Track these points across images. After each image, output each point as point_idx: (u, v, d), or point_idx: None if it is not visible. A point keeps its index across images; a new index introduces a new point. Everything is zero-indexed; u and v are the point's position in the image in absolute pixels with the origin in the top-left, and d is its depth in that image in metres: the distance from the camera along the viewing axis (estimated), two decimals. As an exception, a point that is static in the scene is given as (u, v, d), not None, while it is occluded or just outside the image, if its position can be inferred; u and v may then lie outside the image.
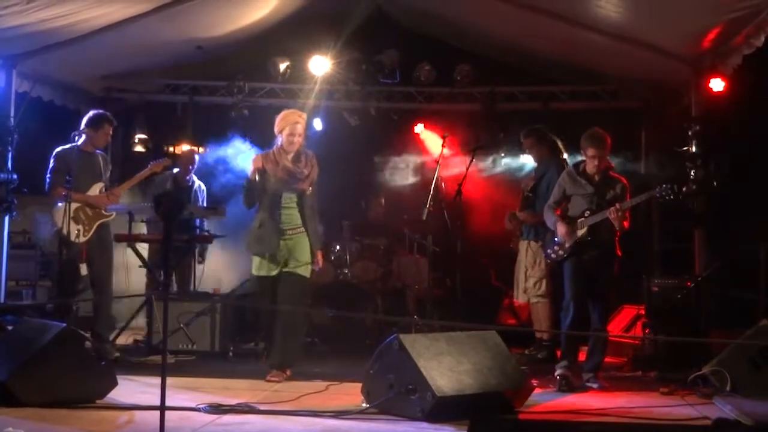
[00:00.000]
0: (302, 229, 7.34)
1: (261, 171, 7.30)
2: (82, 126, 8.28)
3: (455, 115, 11.42)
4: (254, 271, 7.43)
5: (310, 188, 7.44)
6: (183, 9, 8.74)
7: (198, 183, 9.85)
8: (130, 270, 9.86)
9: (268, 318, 7.56)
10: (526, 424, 5.91)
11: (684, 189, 8.99)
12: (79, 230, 8.02)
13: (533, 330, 9.05)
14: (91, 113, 8.42)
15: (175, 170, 9.78)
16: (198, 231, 9.35)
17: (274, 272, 7.31)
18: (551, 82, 11.23)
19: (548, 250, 7.72)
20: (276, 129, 7.42)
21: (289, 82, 11.16)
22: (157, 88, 11.51)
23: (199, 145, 10.67)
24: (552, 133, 9.07)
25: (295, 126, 7.36)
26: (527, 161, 10.24)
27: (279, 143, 7.39)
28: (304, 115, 7.58)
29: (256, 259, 7.39)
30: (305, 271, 7.37)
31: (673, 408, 6.35)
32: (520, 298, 9.09)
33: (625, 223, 7.29)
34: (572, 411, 6.21)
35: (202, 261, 9.57)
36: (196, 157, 9.88)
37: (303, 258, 7.34)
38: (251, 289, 8.20)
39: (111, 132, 8.49)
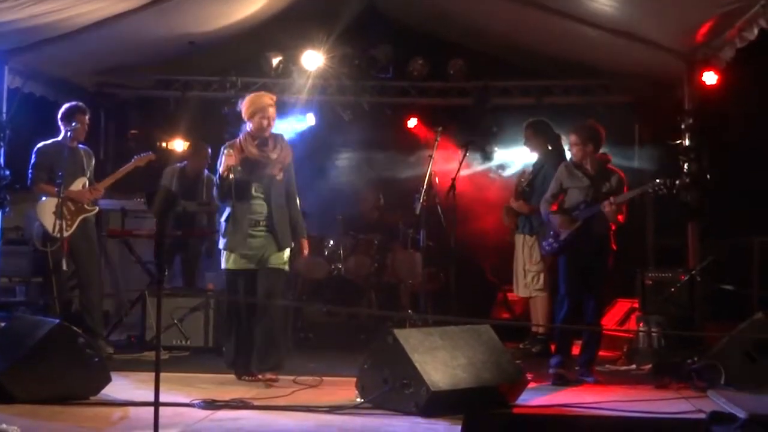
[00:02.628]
0: (270, 220, 6.95)
1: (233, 166, 6.84)
2: (60, 121, 8.22)
3: (449, 110, 11.41)
4: (225, 265, 7.02)
5: (281, 173, 7.03)
6: (175, 4, 8.71)
7: (207, 175, 9.75)
8: (123, 266, 9.87)
9: (239, 315, 7.07)
10: (520, 419, 5.87)
11: (677, 183, 9.01)
12: (62, 225, 7.96)
13: (527, 324, 9.05)
14: (65, 107, 8.28)
15: (180, 164, 9.81)
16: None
17: (251, 266, 6.95)
18: (544, 76, 11.22)
19: (543, 243, 7.75)
20: (245, 113, 7.02)
21: (281, 77, 11.12)
22: (149, 83, 11.45)
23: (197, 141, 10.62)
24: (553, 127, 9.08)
25: (267, 109, 6.98)
26: (520, 155, 10.23)
27: (247, 129, 7.04)
28: (275, 98, 7.19)
29: (226, 253, 7.02)
30: (284, 264, 7.05)
31: (667, 401, 6.37)
32: (521, 293, 9.06)
33: (620, 217, 7.29)
34: (567, 405, 6.22)
35: (210, 255, 9.52)
36: (209, 151, 9.81)
37: (279, 251, 6.98)
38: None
39: (87, 121, 8.34)
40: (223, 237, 7.02)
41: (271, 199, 6.98)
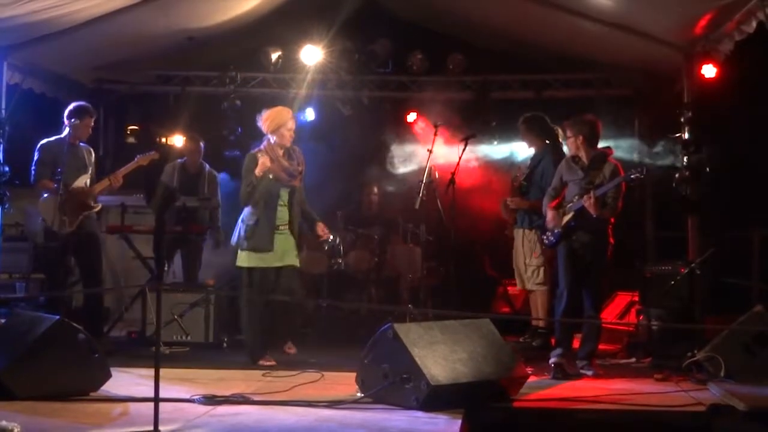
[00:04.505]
0: (291, 225, 7.60)
1: (269, 171, 7.43)
2: (64, 118, 8.23)
3: (448, 104, 11.37)
4: (245, 264, 7.55)
5: (300, 183, 7.68)
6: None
7: (208, 170, 9.81)
8: (124, 261, 9.87)
9: (257, 309, 7.63)
10: (520, 412, 5.91)
11: (677, 175, 9.01)
12: (65, 221, 7.97)
13: (528, 318, 9.04)
14: (72, 105, 8.31)
15: (180, 160, 9.81)
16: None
17: (274, 264, 7.52)
18: (544, 70, 11.22)
19: (543, 236, 7.78)
20: (269, 127, 7.53)
21: (281, 72, 11.12)
22: (148, 79, 11.48)
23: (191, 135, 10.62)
24: (548, 121, 9.04)
25: (290, 121, 7.59)
26: (519, 149, 10.23)
27: (271, 141, 7.53)
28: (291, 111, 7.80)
29: (247, 252, 7.54)
30: (297, 263, 7.72)
31: (667, 394, 6.36)
32: (527, 287, 9.00)
33: (598, 211, 7.22)
34: (567, 398, 6.21)
35: (217, 247, 9.60)
36: (201, 144, 9.85)
37: (295, 251, 7.66)
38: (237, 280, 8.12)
39: (92, 123, 8.41)
40: (247, 239, 7.50)
41: (293, 207, 7.63)
